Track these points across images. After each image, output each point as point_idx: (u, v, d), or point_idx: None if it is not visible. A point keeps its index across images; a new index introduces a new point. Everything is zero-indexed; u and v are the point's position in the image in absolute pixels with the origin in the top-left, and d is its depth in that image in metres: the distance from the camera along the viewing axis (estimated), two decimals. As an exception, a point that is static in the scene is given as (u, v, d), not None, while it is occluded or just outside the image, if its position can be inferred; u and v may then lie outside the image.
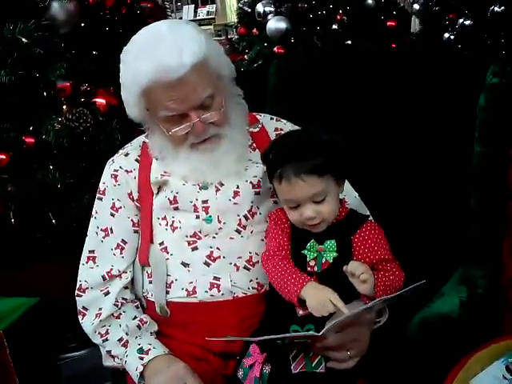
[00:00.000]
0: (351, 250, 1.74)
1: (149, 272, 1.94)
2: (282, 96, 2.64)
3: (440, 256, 2.35)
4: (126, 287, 1.95)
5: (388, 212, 2.22)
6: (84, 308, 1.92)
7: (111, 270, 1.91)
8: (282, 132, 2.02)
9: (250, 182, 1.90)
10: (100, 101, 2.73)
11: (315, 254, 1.72)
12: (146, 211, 1.95)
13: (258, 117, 2.10)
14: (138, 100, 1.77)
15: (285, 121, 2.12)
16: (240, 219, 1.86)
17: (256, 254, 1.87)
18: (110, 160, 2.04)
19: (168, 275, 1.86)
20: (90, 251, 1.94)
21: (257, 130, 1.99)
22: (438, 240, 2.39)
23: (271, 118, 2.12)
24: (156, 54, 1.67)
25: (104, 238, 1.93)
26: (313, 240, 1.74)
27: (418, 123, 2.51)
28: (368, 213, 2.04)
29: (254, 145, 2.00)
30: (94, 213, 2.02)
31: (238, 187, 1.87)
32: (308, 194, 1.68)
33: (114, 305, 1.92)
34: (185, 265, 1.85)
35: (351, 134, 2.37)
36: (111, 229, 1.93)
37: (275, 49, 4.11)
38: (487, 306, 2.06)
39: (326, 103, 2.53)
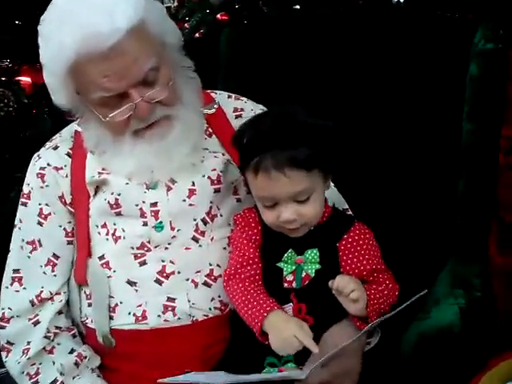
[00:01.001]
0: (337, 261, 1.46)
1: (87, 292, 1.63)
2: (236, 69, 2.31)
3: (424, 249, 2.05)
4: (59, 312, 1.64)
5: (366, 199, 1.97)
6: (8, 343, 1.62)
7: (41, 292, 1.62)
8: (243, 113, 1.74)
9: (208, 178, 1.60)
10: (25, 79, 2.37)
11: (293, 267, 1.45)
12: (81, 218, 1.63)
13: (212, 95, 1.78)
14: (65, 81, 1.49)
15: (245, 99, 1.81)
16: (197, 224, 1.58)
17: (218, 265, 1.58)
18: (36, 155, 1.71)
19: (111, 297, 1.58)
20: (14, 270, 1.66)
21: (212, 111, 1.72)
22: (422, 232, 2.08)
23: (229, 97, 1.80)
24: (81, 19, 1.39)
25: (31, 252, 1.65)
26: (290, 250, 1.45)
27: (397, 98, 2.16)
28: (346, 206, 1.78)
29: (210, 129, 1.69)
30: (17, 222, 1.69)
31: (193, 184, 1.58)
32: (290, 191, 1.38)
33: (46, 337, 1.60)
34: (131, 283, 1.57)
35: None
36: (39, 241, 1.65)
37: (218, 16, 3.75)
38: (487, 311, 1.80)
39: (288, 76, 2.18)
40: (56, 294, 1.64)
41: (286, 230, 1.43)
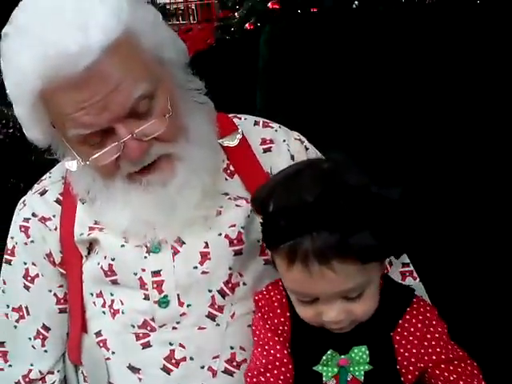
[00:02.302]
0: (393, 356, 1.11)
1: (85, 373, 1.34)
2: (276, 74, 1.93)
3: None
4: None
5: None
6: None
7: (29, 371, 1.36)
8: (273, 146, 1.37)
9: (226, 236, 1.25)
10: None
11: (336, 371, 1.11)
12: (73, 282, 1.33)
13: (235, 121, 1.41)
14: (36, 113, 1.17)
15: (276, 125, 1.43)
16: (213, 297, 1.25)
17: (242, 348, 1.26)
18: (21, 201, 1.40)
19: (110, 383, 1.27)
20: None
21: (235, 142, 1.36)
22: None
23: (255, 123, 1.42)
24: (44, 34, 1.07)
25: (18, 321, 1.37)
26: (331, 350, 1.09)
27: (449, 102, 1.87)
28: (407, 260, 1.38)
29: (232, 167, 1.34)
30: (0, 284, 1.40)
31: (206, 245, 1.25)
32: (338, 290, 1.03)
33: None
34: (134, 370, 1.26)
35: (370, 127, 1.80)
36: (26, 308, 1.36)
37: (269, 4, 3.36)
38: None
39: (338, 84, 1.81)
40: (48, 373, 1.37)
41: (327, 326, 1.08)
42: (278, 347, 1.13)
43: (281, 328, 1.14)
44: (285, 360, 1.12)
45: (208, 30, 5.21)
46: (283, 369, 1.12)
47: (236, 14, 3.86)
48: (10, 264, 1.37)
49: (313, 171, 1.04)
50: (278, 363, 1.12)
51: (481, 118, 1.86)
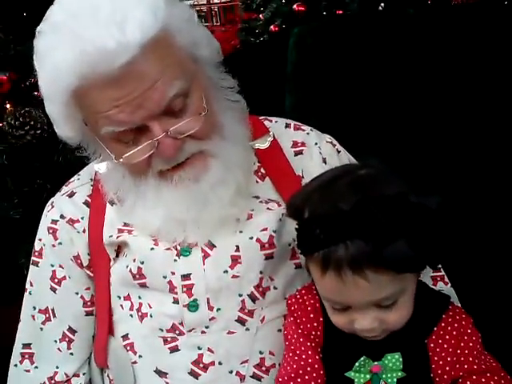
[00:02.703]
0: (427, 363, 1.08)
1: (111, 377, 1.32)
2: (306, 77, 1.90)
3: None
4: None
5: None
6: None
7: (55, 374, 1.34)
8: (305, 149, 1.35)
9: (257, 240, 1.23)
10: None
11: (368, 377, 1.08)
12: (101, 284, 1.32)
13: (266, 123, 1.40)
14: (69, 110, 1.16)
15: (307, 128, 1.41)
16: (243, 301, 1.23)
17: (271, 353, 1.24)
18: (49, 203, 1.39)
19: None
20: (24, 345, 1.37)
21: (266, 145, 1.34)
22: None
23: (287, 126, 1.41)
24: (81, 31, 1.06)
25: (44, 323, 1.35)
26: (364, 356, 1.07)
27: (492, 111, 1.79)
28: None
29: (263, 170, 1.32)
30: (28, 285, 1.39)
31: (237, 249, 1.23)
32: (371, 298, 1.01)
33: None
34: (161, 374, 1.24)
35: (401, 131, 1.76)
36: (53, 310, 1.35)
37: (295, 6, 3.33)
38: None
39: (369, 88, 1.78)
40: (74, 375, 1.35)
41: (359, 333, 1.06)
42: (309, 352, 1.10)
43: (313, 333, 1.12)
44: (316, 366, 1.10)
45: (231, 32, 5.20)
46: (315, 374, 1.10)
47: (261, 15, 3.84)
48: (37, 266, 1.36)
49: (349, 178, 1.01)
50: (309, 369, 1.10)
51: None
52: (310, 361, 1.10)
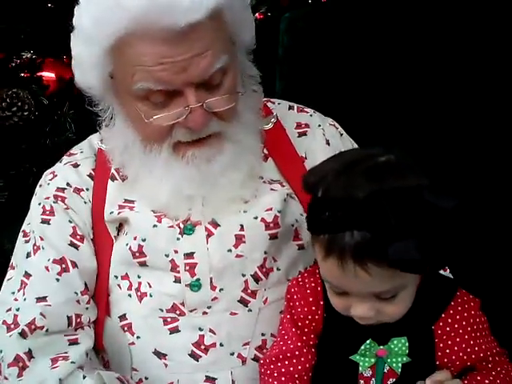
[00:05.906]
0: (432, 350, 1.08)
1: (106, 359, 1.30)
2: (298, 62, 1.90)
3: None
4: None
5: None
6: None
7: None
8: (308, 130, 1.36)
9: (262, 220, 1.22)
10: (48, 75, 2.02)
11: (373, 361, 1.08)
12: (102, 264, 1.29)
13: (269, 105, 1.40)
14: (103, 58, 1.15)
15: (311, 110, 1.42)
16: (246, 282, 1.22)
17: (273, 335, 1.22)
18: (48, 173, 1.36)
19: (134, 369, 1.24)
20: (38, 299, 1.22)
21: (269, 126, 1.35)
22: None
23: (290, 108, 1.42)
24: None
25: (60, 274, 1.24)
26: (370, 340, 1.07)
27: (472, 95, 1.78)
28: None
29: (265, 151, 1.33)
30: (38, 241, 1.28)
31: (241, 228, 1.22)
32: (371, 290, 1.00)
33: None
34: (160, 355, 1.23)
35: (396, 115, 1.74)
36: (73, 263, 1.26)
37: (279, -6, 3.32)
38: None
39: (363, 73, 1.78)
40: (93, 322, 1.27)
41: (354, 318, 1.07)
42: (294, 338, 1.12)
43: (309, 317, 1.12)
44: (304, 350, 1.12)
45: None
46: (295, 360, 1.11)
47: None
48: (48, 223, 1.28)
49: (367, 165, 0.99)
50: (297, 352, 1.12)
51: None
52: (297, 344, 1.12)
